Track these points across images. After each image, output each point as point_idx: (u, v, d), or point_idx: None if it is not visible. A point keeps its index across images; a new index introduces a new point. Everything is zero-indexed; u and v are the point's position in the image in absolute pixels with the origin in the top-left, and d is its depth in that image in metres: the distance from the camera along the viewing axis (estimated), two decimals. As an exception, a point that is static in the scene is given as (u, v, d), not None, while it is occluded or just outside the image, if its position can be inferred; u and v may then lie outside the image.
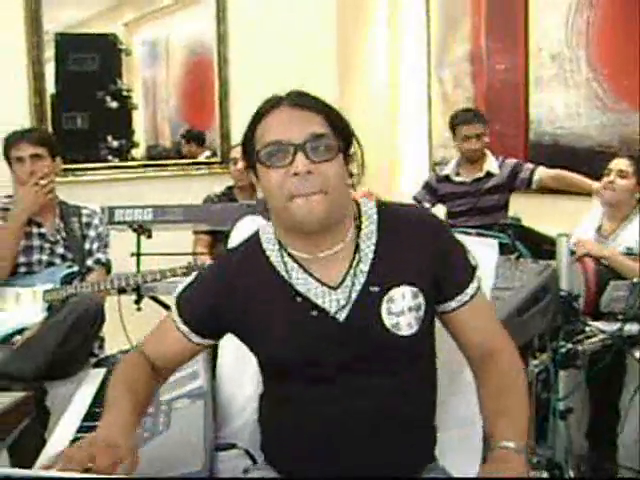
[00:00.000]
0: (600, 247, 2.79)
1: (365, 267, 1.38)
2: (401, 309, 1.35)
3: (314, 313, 1.37)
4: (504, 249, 2.45)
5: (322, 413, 1.37)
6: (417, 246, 1.39)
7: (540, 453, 2.30)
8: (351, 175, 1.40)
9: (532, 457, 2.25)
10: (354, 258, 1.39)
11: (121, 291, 2.86)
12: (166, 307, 3.43)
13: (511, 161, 3.72)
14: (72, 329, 2.47)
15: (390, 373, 1.37)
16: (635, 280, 2.46)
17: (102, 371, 2.21)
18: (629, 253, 2.68)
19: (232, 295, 1.41)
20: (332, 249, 1.38)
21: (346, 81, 4.78)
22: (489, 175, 3.70)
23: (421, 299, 1.37)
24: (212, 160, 4.59)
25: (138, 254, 3.06)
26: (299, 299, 1.38)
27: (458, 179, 3.77)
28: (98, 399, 1.97)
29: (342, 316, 1.36)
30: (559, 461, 2.34)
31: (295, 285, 1.38)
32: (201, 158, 4.63)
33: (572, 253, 2.45)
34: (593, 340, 2.37)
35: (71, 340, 2.47)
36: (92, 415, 1.86)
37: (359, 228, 1.41)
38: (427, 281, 1.38)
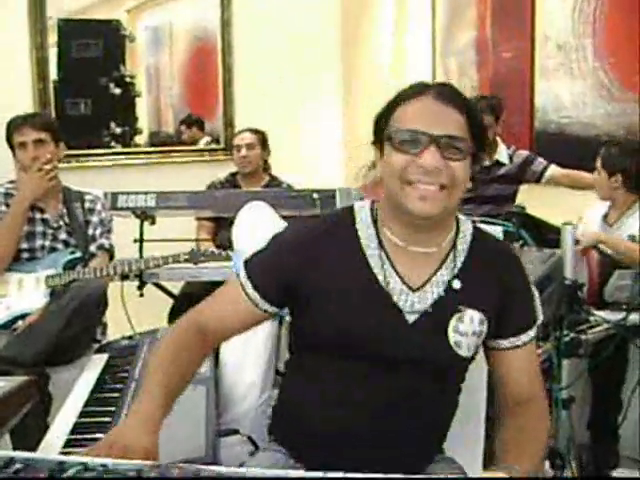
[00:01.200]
0: (601, 236, 2.78)
1: (450, 279, 1.39)
2: (467, 331, 1.37)
3: (387, 306, 1.37)
4: (509, 237, 2.44)
5: (346, 397, 1.38)
6: (496, 279, 1.41)
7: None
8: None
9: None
10: (441, 267, 1.40)
11: (124, 277, 2.86)
12: (169, 293, 3.44)
13: (524, 152, 3.69)
14: (75, 315, 2.47)
15: (432, 382, 1.39)
16: (640, 269, 2.46)
17: (104, 357, 2.21)
18: (632, 241, 2.67)
19: (310, 263, 1.39)
20: (425, 248, 1.39)
21: (350, 67, 4.76)
22: (498, 164, 3.67)
23: (485, 327, 1.39)
24: (215, 147, 4.58)
25: (141, 240, 3.07)
26: (377, 288, 1.37)
27: None
28: (100, 384, 1.98)
29: (411, 319, 1.37)
30: (561, 450, 2.34)
31: (377, 274, 1.38)
32: (201, 143, 4.62)
33: (577, 242, 2.44)
34: (597, 329, 2.37)
35: (73, 325, 2.47)
36: (94, 400, 1.87)
37: (455, 241, 1.41)
38: (493, 313, 1.40)
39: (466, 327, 1.37)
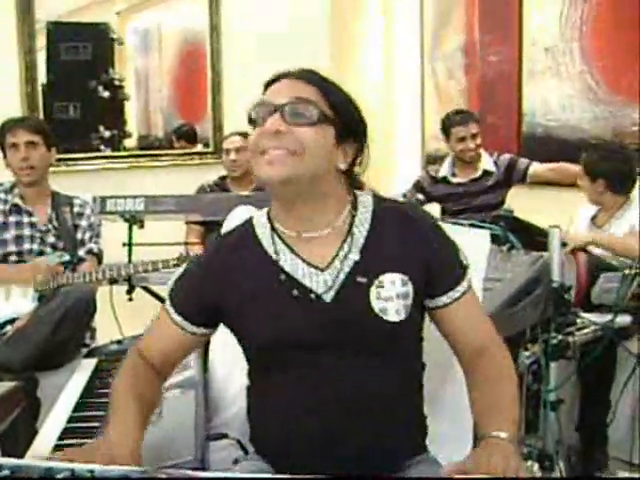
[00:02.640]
0: (588, 236, 2.79)
1: (356, 251, 1.38)
2: (390, 295, 1.36)
3: (300, 293, 1.37)
4: (496, 240, 2.45)
5: (306, 400, 1.37)
6: (409, 240, 1.40)
7: (531, 444, 2.31)
8: (353, 164, 1.41)
9: (522, 448, 2.25)
10: (345, 241, 1.39)
11: (113, 281, 2.86)
12: (158, 298, 3.43)
13: (506, 157, 3.70)
14: (63, 319, 2.47)
15: (372, 355, 1.37)
16: (626, 272, 2.46)
17: (93, 361, 2.21)
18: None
19: (221, 277, 1.41)
20: (318, 232, 1.39)
21: (340, 71, 4.75)
22: (487, 174, 3.68)
23: (410, 287, 1.37)
24: (204, 150, 4.57)
25: (130, 244, 3.06)
26: (286, 279, 1.38)
27: (455, 180, 3.74)
28: (89, 389, 1.98)
29: (329, 297, 1.37)
30: (549, 452, 2.34)
31: (283, 266, 1.39)
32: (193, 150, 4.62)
33: (564, 245, 2.45)
34: (584, 331, 2.38)
35: (62, 330, 2.47)
36: (83, 405, 1.86)
37: (353, 216, 1.41)
38: (417, 272, 1.39)
39: (388, 292, 1.35)
